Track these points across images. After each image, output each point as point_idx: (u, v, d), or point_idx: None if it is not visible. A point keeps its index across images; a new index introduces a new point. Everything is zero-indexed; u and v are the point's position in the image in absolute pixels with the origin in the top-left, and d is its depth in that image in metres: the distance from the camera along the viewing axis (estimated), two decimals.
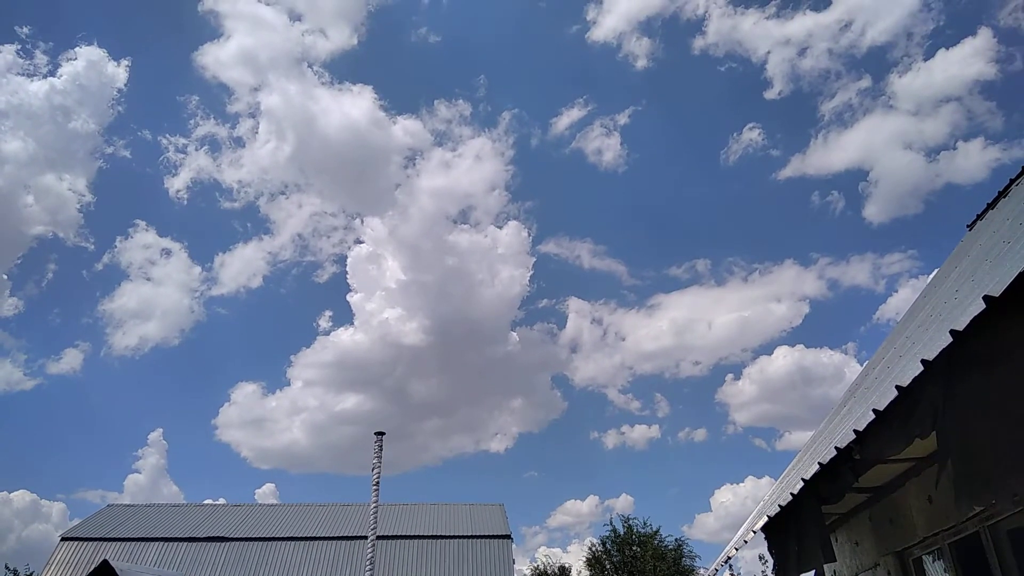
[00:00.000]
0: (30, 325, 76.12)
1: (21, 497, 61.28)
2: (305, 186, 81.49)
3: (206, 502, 43.80)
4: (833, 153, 78.07)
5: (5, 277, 70.41)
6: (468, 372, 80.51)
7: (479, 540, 36.54)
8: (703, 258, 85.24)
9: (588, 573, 40.80)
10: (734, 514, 62.21)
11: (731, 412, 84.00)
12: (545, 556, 43.32)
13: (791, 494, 7.46)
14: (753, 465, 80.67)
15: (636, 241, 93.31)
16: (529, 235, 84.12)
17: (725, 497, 67.35)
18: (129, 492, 62.71)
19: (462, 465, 79.26)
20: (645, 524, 40.50)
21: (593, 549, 41.01)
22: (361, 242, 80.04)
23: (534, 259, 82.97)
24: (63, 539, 35.77)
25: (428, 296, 75.81)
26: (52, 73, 74.50)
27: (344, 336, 77.59)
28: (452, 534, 37.01)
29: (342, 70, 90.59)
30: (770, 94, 79.04)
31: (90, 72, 72.00)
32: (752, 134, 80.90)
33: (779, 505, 7.92)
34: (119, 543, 35.41)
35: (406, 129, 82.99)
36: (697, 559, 40.02)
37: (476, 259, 79.20)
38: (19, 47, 74.44)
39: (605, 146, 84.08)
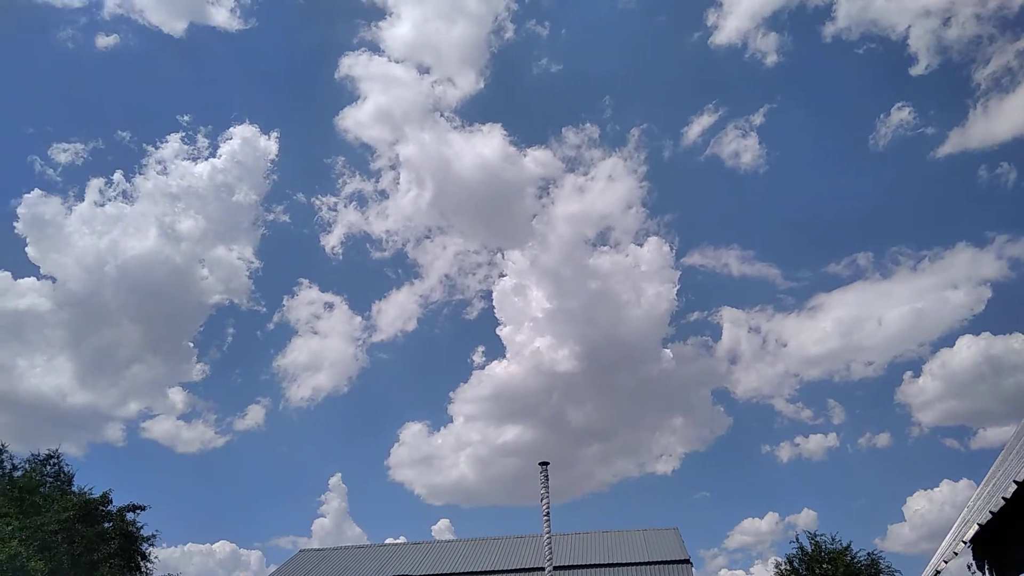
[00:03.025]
0: (216, 387, 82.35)
1: (222, 547, 66.06)
2: (447, 228, 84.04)
3: (387, 541, 45.38)
4: (996, 122, 71.69)
5: (191, 345, 76.85)
6: (623, 394, 79.30)
7: (657, 566, 35.58)
8: (864, 251, 79.89)
9: None
10: (932, 522, 57.34)
11: (914, 412, 77.66)
12: None
13: (1003, 499, 6.67)
14: (947, 468, 74.50)
15: (787, 242, 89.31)
16: (671, 249, 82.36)
17: (919, 504, 62.16)
18: (317, 536, 65.97)
19: (629, 490, 77.77)
20: (833, 539, 38.07)
21: (780, 569, 38.94)
22: (504, 275, 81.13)
23: (679, 273, 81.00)
24: None
25: (575, 322, 75.60)
26: (213, 154, 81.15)
27: (498, 369, 78.65)
28: (628, 561, 36.28)
29: (471, 113, 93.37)
30: (916, 70, 74.12)
31: (245, 148, 78.06)
32: (902, 114, 75.81)
33: (990, 512, 7.10)
34: None
35: (537, 160, 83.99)
36: (896, 575, 37.11)
37: (619, 280, 78.31)
38: (183, 134, 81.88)
39: (742, 148, 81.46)
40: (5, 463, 39.46)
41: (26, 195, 77.24)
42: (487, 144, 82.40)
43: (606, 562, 36.39)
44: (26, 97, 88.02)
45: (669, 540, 38.45)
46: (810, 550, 38.00)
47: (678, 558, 36.02)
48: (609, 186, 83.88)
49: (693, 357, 79.84)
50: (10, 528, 28.81)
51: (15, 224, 70.45)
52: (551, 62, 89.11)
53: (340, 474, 71.63)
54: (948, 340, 75.72)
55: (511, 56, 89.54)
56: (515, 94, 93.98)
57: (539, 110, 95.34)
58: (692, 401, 78.20)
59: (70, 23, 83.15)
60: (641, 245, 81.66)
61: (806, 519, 70.52)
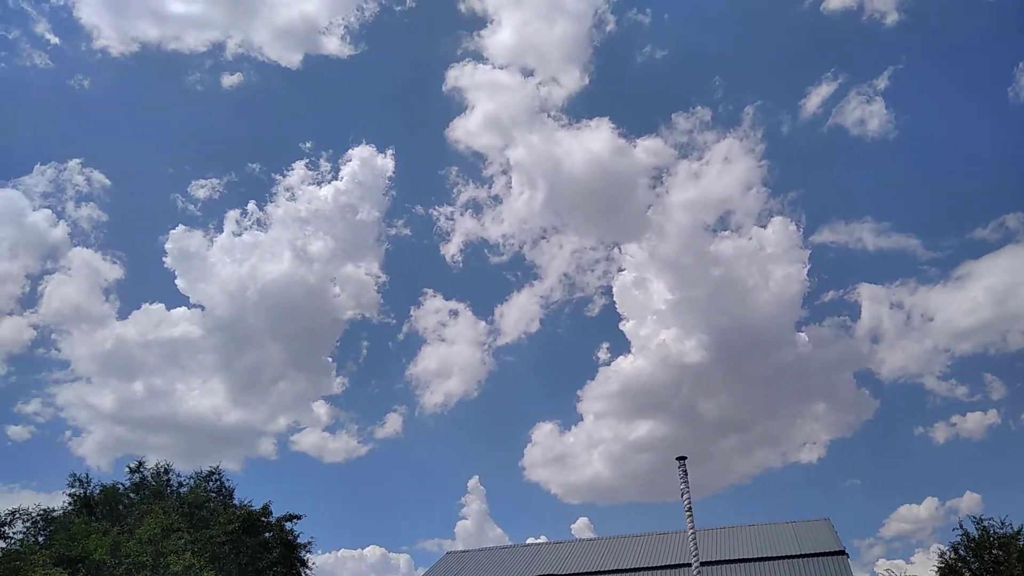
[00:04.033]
0: (356, 398, 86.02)
1: (372, 552, 68.90)
2: (562, 227, 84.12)
3: (528, 541, 45.85)
4: None
5: (330, 360, 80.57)
6: (758, 383, 76.65)
7: (810, 559, 34.14)
8: (1014, 212, 74.02)
9: None
10: None
11: None
12: (887, 570, 39.26)
13: None
14: None
15: (926, 209, 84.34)
16: (798, 228, 79.12)
17: None
18: (460, 538, 67.52)
19: (772, 481, 75.30)
20: (1003, 524, 35.34)
21: (945, 557, 36.54)
22: (623, 270, 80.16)
23: (809, 252, 77.79)
24: None
25: (701, 311, 73.82)
26: (335, 176, 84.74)
27: (624, 364, 77.94)
28: (780, 555, 35.03)
29: (578, 109, 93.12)
30: None
31: (364, 168, 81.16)
32: None
33: None
34: None
35: (648, 149, 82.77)
36: None
37: (744, 264, 75.89)
38: (306, 160, 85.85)
39: (867, 115, 77.45)
40: (173, 481, 42.75)
41: (171, 231, 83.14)
42: (596, 139, 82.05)
43: (756, 556, 35.28)
44: (165, 140, 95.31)
45: (821, 531, 36.89)
46: (976, 536, 35.48)
47: (832, 549, 34.49)
48: (726, 169, 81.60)
49: (831, 339, 76.47)
50: (183, 541, 31.09)
51: (164, 259, 76.31)
52: (655, 49, 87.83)
53: (477, 476, 73.14)
54: None
55: (614, 48, 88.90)
56: (621, 86, 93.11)
57: (646, 99, 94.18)
58: (833, 385, 74.89)
59: (197, 67, 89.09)
60: (765, 227, 78.89)
61: (969, 503, 65.85)
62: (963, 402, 73.12)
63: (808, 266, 75.62)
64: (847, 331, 77.18)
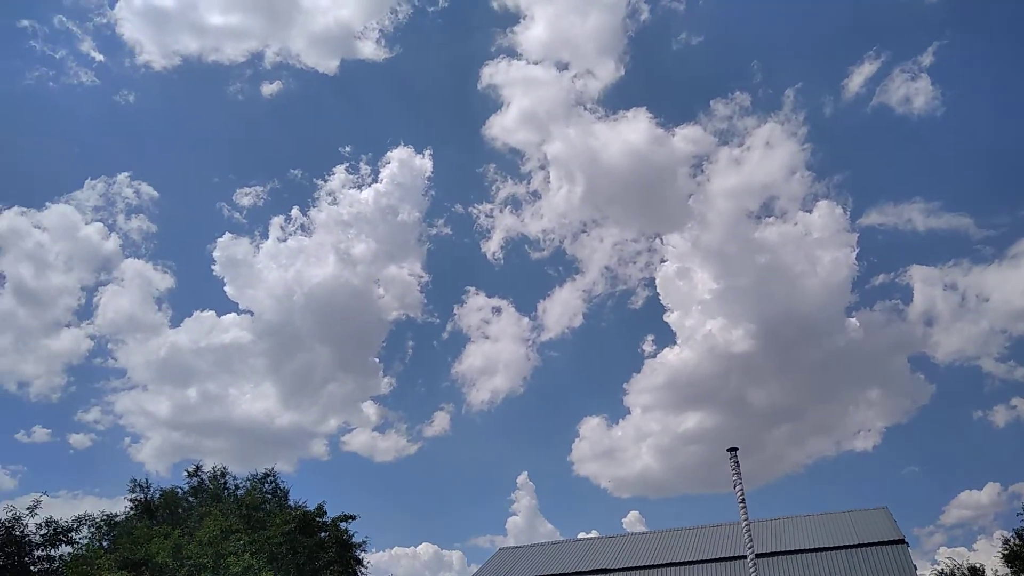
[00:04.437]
0: (403, 397, 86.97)
1: (425, 550, 69.54)
2: (602, 220, 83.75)
3: (580, 536, 45.77)
4: None
5: (377, 360, 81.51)
6: (808, 370, 75.46)
7: (869, 548, 33.48)
8: None
9: (1009, 571, 35.43)
10: None
11: None
12: (948, 558, 38.54)
13: None
14: None
15: (978, 187, 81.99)
16: (845, 211, 77.90)
17: None
18: (512, 534, 67.78)
19: (826, 470, 74.21)
20: None
21: (1009, 543, 35.63)
22: (666, 260, 79.70)
23: (857, 235, 76.42)
24: None
25: (747, 300, 72.95)
26: (375, 179, 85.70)
27: (670, 356, 77.34)
28: (838, 545, 34.43)
29: (614, 101, 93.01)
30: None
31: (403, 169, 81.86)
32: None
33: None
34: None
35: (687, 138, 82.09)
36: None
37: (790, 250, 75.05)
38: (347, 165, 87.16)
39: (912, 92, 75.90)
40: (229, 484, 43.67)
41: (219, 239, 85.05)
42: (633, 130, 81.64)
43: (812, 547, 34.73)
44: (209, 150, 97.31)
45: (879, 520, 36.16)
46: None
47: (891, 538, 33.79)
48: (768, 154, 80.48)
49: (883, 324, 74.99)
50: (241, 543, 31.71)
51: (212, 267, 77.96)
52: (691, 35, 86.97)
53: (526, 472, 73.32)
54: None
55: (649, 37, 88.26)
56: (657, 75, 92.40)
57: (684, 87, 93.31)
58: (887, 371, 73.45)
59: (237, 77, 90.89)
60: (810, 211, 77.77)
61: None
62: (1023, 384, 71.10)
63: (857, 250, 74.43)
64: (899, 315, 75.66)
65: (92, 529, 36.83)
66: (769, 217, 78.83)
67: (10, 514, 29.46)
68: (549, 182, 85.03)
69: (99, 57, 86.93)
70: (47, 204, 79.68)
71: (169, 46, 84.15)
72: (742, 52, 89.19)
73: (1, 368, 72.60)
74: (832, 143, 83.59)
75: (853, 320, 72.75)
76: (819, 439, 75.60)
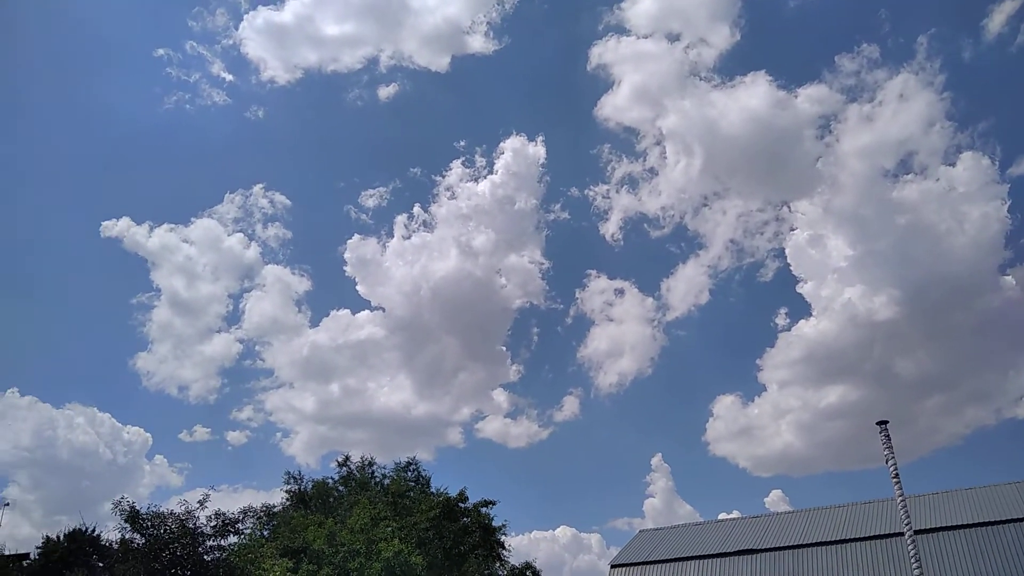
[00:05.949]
0: (532, 383, 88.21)
1: (563, 533, 70.32)
2: (723, 191, 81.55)
3: (720, 516, 45.02)
4: None
5: (504, 348, 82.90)
6: (960, 335, 70.80)
7: None
8: None
9: None
10: None
11: None
12: None
13: None
14: None
15: None
16: (993, 161, 72.34)
17: None
18: (650, 516, 67.46)
19: (987, 440, 69.82)
20: None
21: None
22: (795, 229, 76.78)
23: (1007, 186, 71.11)
24: (613, 566, 39.56)
25: (888, 264, 69.20)
26: (490, 171, 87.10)
27: (807, 328, 74.49)
28: (1003, 518, 32.22)
29: (730, 67, 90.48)
30: None
31: (517, 158, 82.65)
32: None
33: None
34: (660, 565, 38.05)
35: (811, 98, 78.58)
36: None
37: (933, 208, 70.74)
38: (463, 159, 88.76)
39: None
40: (376, 473, 45.57)
41: (348, 240, 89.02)
42: (752, 95, 78.93)
43: (975, 521, 32.65)
44: (333, 156, 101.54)
45: None
46: None
47: None
48: (902, 107, 75.98)
49: None
50: (390, 529, 33.09)
51: (344, 268, 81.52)
52: None
53: (660, 454, 72.82)
54: None
55: None
56: (775, 35, 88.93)
57: (805, 45, 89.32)
58: None
59: (355, 83, 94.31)
60: (953, 165, 72.85)
61: None
62: None
63: (1008, 202, 69.32)
64: None
65: (254, 520, 39.37)
66: (908, 175, 74.49)
67: (184, 508, 31.91)
68: (665, 157, 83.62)
69: (229, 77, 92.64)
70: (192, 219, 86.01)
71: (290, 60, 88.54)
72: (866, 1, 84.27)
73: (163, 374, 78.83)
74: (973, 90, 78.17)
75: (1008, 278, 68.06)
76: (977, 408, 71.02)
